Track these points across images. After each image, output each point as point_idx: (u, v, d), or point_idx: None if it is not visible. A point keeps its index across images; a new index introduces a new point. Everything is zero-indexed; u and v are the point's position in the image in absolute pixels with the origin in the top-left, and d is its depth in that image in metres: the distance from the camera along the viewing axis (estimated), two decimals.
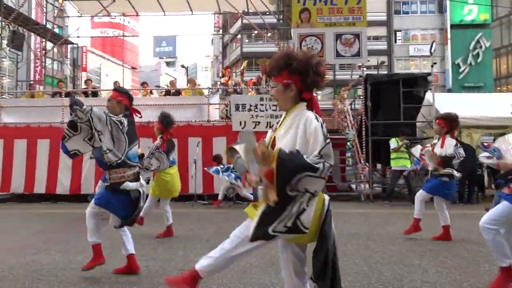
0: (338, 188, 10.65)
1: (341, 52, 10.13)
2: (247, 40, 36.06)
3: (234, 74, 13.55)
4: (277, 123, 2.16)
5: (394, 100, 9.94)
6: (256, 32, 35.38)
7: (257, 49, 35.04)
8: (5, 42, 12.27)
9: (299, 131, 1.94)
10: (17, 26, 12.62)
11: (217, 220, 6.79)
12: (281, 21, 13.23)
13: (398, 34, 33.37)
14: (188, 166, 8.98)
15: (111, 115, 3.41)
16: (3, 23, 12.42)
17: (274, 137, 2.06)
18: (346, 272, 3.60)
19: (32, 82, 15.04)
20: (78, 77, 24.19)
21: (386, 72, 26.33)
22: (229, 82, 10.73)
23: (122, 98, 3.65)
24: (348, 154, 11.98)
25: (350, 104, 13.01)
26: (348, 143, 11.65)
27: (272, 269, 3.66)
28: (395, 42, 33.08)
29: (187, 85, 12.39)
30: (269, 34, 14.66)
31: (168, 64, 67.61)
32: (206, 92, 10.84)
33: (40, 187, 9.65)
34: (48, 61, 15.73)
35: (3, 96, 11.71)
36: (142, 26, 63.90)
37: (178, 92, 10.74)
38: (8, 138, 9.91)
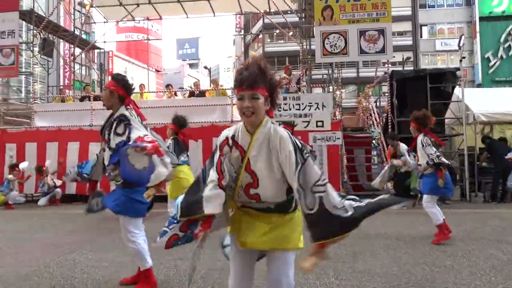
0: (364, 188, 10.48)
1: (365, 48, 9.97)
2: (269, 40, 36.03)
3: None
4: (234, 139, 1.91)
5: (421, 96, 9.69)
6: (277, 31, 35.37)
7: (279, 49, 35.01)
8: (36, 49, 12.74)
9: (278, 153, 1.81)
10: (47, 33, 13.10)
11: None
12: (303, 19, 13.15)
13: (424, 28, 32.51)
14: None
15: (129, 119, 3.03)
16: (34, 31, 12.92)
17: (248, 158, 1.86)
18: (375, 273, 3.55)
19: (62, 87, 15.57)
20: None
21: (411, 68, 25.73)
22: None
23: (115, 88, 3.12)
24: (374, 153, 11.78)
25: (375, 101, 12.79)
26: (374, 142, 11.46)
27: None
28: (421, 37, 32.25)
29: (210, 86, 12.50)
30: (290, 33, 14.58)
31: (191, 66, 68.42)
32: (229, 92, 10.91)
33: (71, 188, 9.97)
34: (76, 66, 16.20)
35: (36, 101, 12.17)
36: (165, 29, 64.90)
37: (202, 93, 10.85)
38: (41, 141, 10.30)
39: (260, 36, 34.59)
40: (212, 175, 1.91)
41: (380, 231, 5.55)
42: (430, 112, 9.34)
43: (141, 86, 11.16)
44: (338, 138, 9.22)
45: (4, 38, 10.94)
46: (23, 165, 9.59)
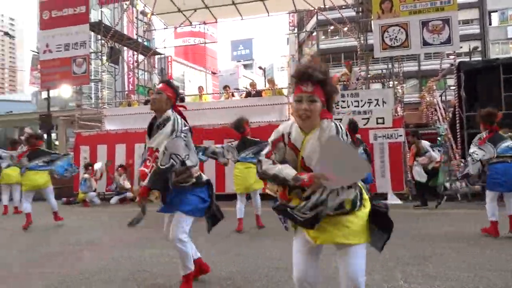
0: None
1: (429, 40, 9.42)
2: (323, 37, 35.45)
3: None
4: (288, 137, 1.98)
5: (493, 88, 8.97)
6: (332, 28, 34.65)
7: (334, 45, 34.29)
8: (104, 58, 13.69)
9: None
10: (113, 42, 14.02)
11: None
12: (360, 13, 12.76)
13: (493, 15, 30.03)
14: None
15: (180, 127, 2.97)
16: (102, 41, 13.89)
17: (302, 157, 1.92)
18: (448, 277, 3.34)
19: (127, 92, 16.59)
20: None
21: (480, 58, 23.88)
22: None
23: (171, 94, 3.13)
24: (440, 149, 11.09)
25: (440, 95, 12.04)
26: (439, 138, 10.79)
27: None
28: (490, 24, 29.83)
29: (265, 86, 12.58)
30: (346, 29, 14.22)
31: (245, 66, 69.42)
32: (285, 92, 10.90)
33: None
34: (139, 72, 17.16)
35: (105, 106, 13.07)
36: (220, 32, 66.48)
37: (258, 93, 10.95)
38: (110, 143, 11.05)
39: (314, 33, 34.11)
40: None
41: (448, 232, 5.22)
42: (506, 105, 8.69)
43: (200, 88, 11.53)
44: (401, 135, 8.83)
45: (77, 49, 11.88)
46: (97, 166, 10.38)
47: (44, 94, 43.81)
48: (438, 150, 8.12)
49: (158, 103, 3.06)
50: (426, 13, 9.44)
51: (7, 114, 22.28)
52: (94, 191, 10.19)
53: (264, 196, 5.19)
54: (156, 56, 20.89)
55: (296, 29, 37.59)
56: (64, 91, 14.84)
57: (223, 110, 10.39)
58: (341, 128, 1.91)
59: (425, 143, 7.76)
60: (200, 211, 3.15)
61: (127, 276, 3.66)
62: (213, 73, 54.69)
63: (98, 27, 13.18)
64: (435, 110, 11.37)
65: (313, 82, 1.88)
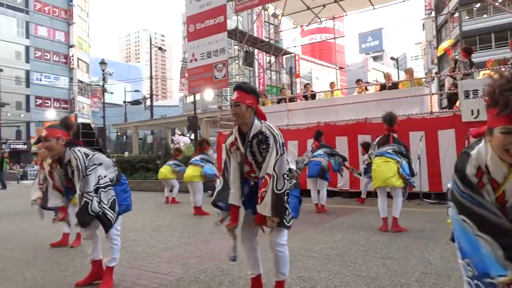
0: None
1: None
2: (467, 17, 31.39)
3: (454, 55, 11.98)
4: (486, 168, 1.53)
5: None
6: (478, 5, 30.31)
7: (481, 25, 30.10)
8: (240, 61, 14.72)
9: None
10: (248, 46, 14.97)
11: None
12: None
13: None
14: None
15: (280, 140, 2.59)
16: (237, 46, 14.95)
17: (503, 191, 1.54)
18: None
19: (259, 92, 17.52)
20: (295, 83, 26.51)
21: None
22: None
23: (252, 101, 2.64)
24: None
25: None
26: None
27: None
28: None
29: (398, 77, 11.73)
30: (497, 3, 12.23)
31: (375, 58, 66.25)
32: (425, 81, 10.01)
33: None
34: (271, 72, 17.92)
35: None
36: (346, 25, 64.77)
37: (394, 85, 10.30)
38: None
39: (456, 14, 30.43)
40: None
41: None
42: None
43: (332, 84, 11.43)
44: None
45: (217, 55, 13.06)
46: None
47: (189, 99, 49.50)
48: None
49: (240, 117, 2.61)
50: None
51: (162, 118, 25.92)
52: None
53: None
54: (284, 56, 21.53)
55: (433, 12, 34.12)
56: (207, 94, 16.47)
57: (356, 105, 10.11)
58: None
59: None
60: (298, 210, 2.94)
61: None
62: (341, 68, 53.60)
63: (234, 33, 14.24)
64: None
65: None
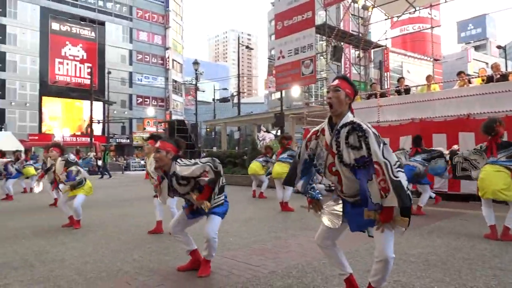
0: None
1: None
2: None
3: None
4: None
5: None
6: None
7: None
8: (328, 56, 14.42)
9: None
10: (336, 41, 14.61)
11: None
12: None
13: None
14: None
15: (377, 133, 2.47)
16: (325, 41, 14.67)
17: None
18: None
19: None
20: (384, 77, 25.25)
21: None
22: None
23: (350, 91, 2.58)
24: None
25: None
26: None
27: None
28: None
29: (505, 67, 10.39)
30: None
31: (476, 48, 59.83)
32: None
33: None
34: (360, 67, 17.25)
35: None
36: (443, 14, 59.46)
37: (504, 77, 9.17)
38: None
39: None
40: None
41: None
42: None
43: (429, 78, 10.60)
44: None
45: (304, 52, 12.99)
46: None
47: (274, 96, 50.14)
48: None
49: (336, 104, 2.53)
50: None
51: (248, 115, 26.65)
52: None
53: None
54: (372, 50, 20.56)
55: None
56: (294, 91, 16.51)
57: (457, 99, 9.25)
58: None
59: None
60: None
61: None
62: (436, 59, 49.47)
63: (323, 28, 14.00)
64: None
65: None
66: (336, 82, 2.60)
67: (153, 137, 5.34)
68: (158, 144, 3.55)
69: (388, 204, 2.37)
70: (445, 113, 9.30)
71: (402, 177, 2.36)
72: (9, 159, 10.93)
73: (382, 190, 2.36)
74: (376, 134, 2.42)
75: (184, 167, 3.42)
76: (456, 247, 4.46)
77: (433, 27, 14.37)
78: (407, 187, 2.36)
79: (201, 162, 3.45)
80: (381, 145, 2.39)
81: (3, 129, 32.96)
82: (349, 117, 2.52)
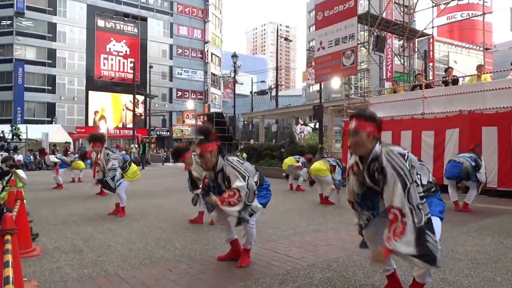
0: None
1: None
2: None
3: None
4: None
5: None
6: None
7: None
8: (370, 47, 13.95)
9: None
10: (379, 31, 14.09)
11: None
12: None
13: None
14: None
15: (408, 166, 2.30)
16: (367, 31, 14.19)
17: None
18: None
19: (392, 79, 16.44)
20: (430, 67, 24.08)
21: None
22: None
23: (372, 128, 2.43)
24: None
25: None
26: None
27: None
28: None
29: None
30: None
31: None
32: None
33: None
34: (404, 58, 16.55)
35: (370, 95, 13.37)
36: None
37: None
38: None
39: None
40: None
41: None
42: None
43: (481, 67, 9.98)
44: None
45: (346, 42, 12.65)
46: None
47: (312, 88, 49.40)
48: None
49: (360, 146, 2.39)
50: None
51: (286, 107, 26.45)
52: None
53: None
54: (416, 39, 19.62)
55: None
56: (334, 82, 16.15)
57: (511, 90, 8.69)
58: None
59: None
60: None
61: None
62: (486, 48, 46.59)
63: (365, 18, 13.53)
64: None
65: None
66: (354, 124, 2.43)
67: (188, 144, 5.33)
68: (198, 150, 3.45)
69: (398, 250, 2.20)
70: (497, 104, 8.76)
71: (423, 219, 2.18)
72: (57, 160, 11.53)
73: (393, 234, 2.24)
74: (404, 174, 2.23)
75: (232, 171, 3.36)
76: (508, 246, 4.20)
77: (483, 14, 13.43)
78: (429, 230, 2.18)
79: (247, 174, 3.35)
80: (408, 186, 2.21)
81: (53, 122, 34.92)
82: (377, 152, 2.37)
